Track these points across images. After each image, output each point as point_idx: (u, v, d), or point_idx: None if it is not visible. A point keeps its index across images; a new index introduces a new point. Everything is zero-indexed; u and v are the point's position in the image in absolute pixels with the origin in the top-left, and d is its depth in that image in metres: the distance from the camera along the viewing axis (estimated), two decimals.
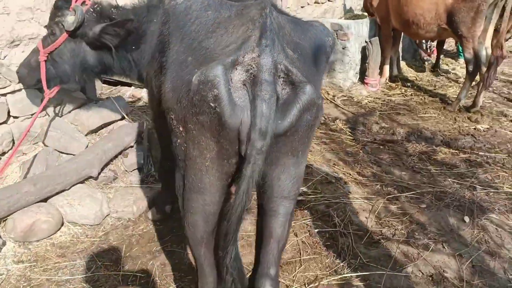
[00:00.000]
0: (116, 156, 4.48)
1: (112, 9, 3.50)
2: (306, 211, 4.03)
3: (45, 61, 3.54)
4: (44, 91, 3.67)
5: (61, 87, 3.84)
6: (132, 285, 3.18)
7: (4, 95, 4.01)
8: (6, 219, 3.52)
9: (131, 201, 4.05)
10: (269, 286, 2.26)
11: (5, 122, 4.10)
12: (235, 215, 1.88)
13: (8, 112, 4.10)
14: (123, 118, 4.86)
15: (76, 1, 3.38)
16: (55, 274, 3.25)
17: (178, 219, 3.92)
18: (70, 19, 3.33)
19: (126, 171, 4.52)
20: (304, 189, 4.33)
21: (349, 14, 9.89)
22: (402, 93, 7.65)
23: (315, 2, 9.04)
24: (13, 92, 4.04)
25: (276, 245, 2.22)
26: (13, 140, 4.18)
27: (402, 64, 8.94)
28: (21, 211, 3.53)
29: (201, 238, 2.20)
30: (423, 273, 3.27)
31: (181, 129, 1.94)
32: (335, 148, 5.39)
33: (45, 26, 3.66)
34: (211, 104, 1.74)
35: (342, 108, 6.82)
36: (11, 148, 4.17)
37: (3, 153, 4.14)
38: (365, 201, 4.21)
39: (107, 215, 3.95)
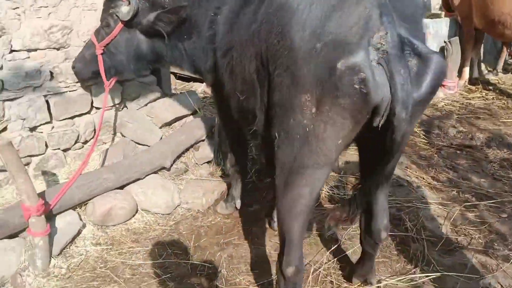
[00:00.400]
0: (187, 149, 4.62)
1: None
2: None
3: (102, 53, 3.68)
4: (103, 83, 3.82)
5: (119, 77, 4.00)
6: (200, 275, 3.25)
7: (89, 86, 4.25)
8: (86, 203, 3.72)
9: (201, 193, 4.15)
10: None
11: (88, 113, 4.34)
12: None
13: (92, 103, 4.34)
14: (195, 112, 4.99)
15: None
16: (129, 258, 3.40)
17: (246, 214, 3.98)
18: (124, 9, 3.41)
19: (197, 164, 4.64)
20: None
21: (427, 13, 9.51)
22: (482, 96, 7.25)
23: None
24: (96, 84, 4.27)
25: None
26: (94, 129, 4.41)
27: (483, 66, 8.49)
28: (100, 196, 3.72)
29: (300, 212, 2.28)
30: (502, 286, 3.08)
31: (313, 110, 2.01)
32: (408, 151, 5.20)
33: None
34: (356, 86, 1.86)
35: None
36: (93, 137, 4.41)
37: (86, 142, 4.39)
38: (440, 207, 4.03)
39: (177, 206, 4.07)
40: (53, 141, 4.07)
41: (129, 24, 3.51)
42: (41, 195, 3.26)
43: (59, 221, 3.46)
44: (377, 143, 2.17)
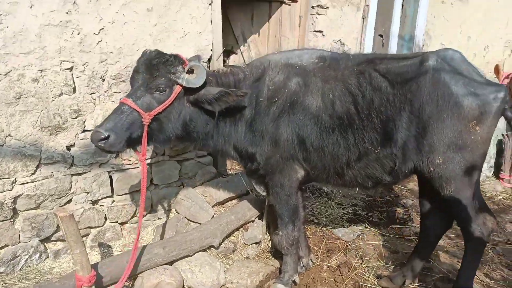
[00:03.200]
0: (237, 229, 4.74)
1: (210, 77, 3.59)
2: None
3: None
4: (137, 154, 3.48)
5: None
6: None
7: (150, 165, 4.56)
8: (136, 277, 3.87)
9: (246, 273, 4.19)
10: None
11: (147, 189, 4.62)
12: None
13: (151, 180, 4.63)
14: (247, 193, 5.15)
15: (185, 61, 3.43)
16: None
17: None
18: (191, 77, 3.34)
19: (245, 244, 4.73)
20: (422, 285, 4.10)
21: None
22: None
23: None
24: (156, 162, 4.58)
25: None
26: (151, 204, 4.67)
27: None
28: (149, 270, 3.86)
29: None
30: None
31: (477, 129, 3.30)
32: (461, 245, 5.03)
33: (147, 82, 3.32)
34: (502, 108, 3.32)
35: None
36: (149, 212, 4.66)
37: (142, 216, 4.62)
38: None
39: (222, 285, 4.12)
40: (112, 214, 4.35)
41: (187, 92, 3.44)
42: (94, 266, 3.45)
43: None
44: None
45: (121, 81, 4.08)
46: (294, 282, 4.12)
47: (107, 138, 3.15)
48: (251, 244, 4.75)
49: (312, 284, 4.19)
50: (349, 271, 4.33)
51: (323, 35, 6.20)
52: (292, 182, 3.77)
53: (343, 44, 6.53)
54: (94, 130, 3.18)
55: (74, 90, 3.84)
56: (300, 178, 3.78)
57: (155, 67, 3.30)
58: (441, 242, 4.83)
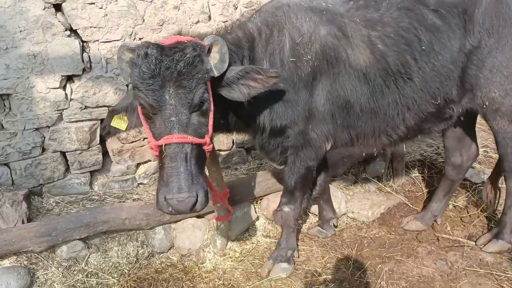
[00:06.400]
0: (360, 162, 4.73)
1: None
2: None
3: None
4: None
5: None
6: (359, 282, 3.35)
7: None
8: (262, 199, 4.11)
9: (367, 205, 4.23)
10: None
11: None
12: None
13: None
14: None
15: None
16: None
17: (412, 233, 3.94)
18: (216, 62, 2.42)
19: (366, 177, 4.73)
20: None
21: None
22: None
23: None
24: None
25: None
26: None
27: None
28: (274, 194, 4.05)
29: None
30: None
31: None
32: None
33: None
34: None
35: None
36: None
37: None
38: None
39: (343, 214, 4.22)
40: (239, 140, 4.57)
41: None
42: (227, 185, 3.71)
43: (238, 210, 3.88)
44: None
45: (252, 9, 4.13)
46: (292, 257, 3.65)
47: (195, 203, 2.35)
48: (373, 177, 4.74)
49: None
50: (477, 212, 4.16)
51: None
52: (319, 155, 3.17)
53: None
54: (177, 198, 2.30)
55: (210, 17, 3.98)
56: (328, 149, 3.20)
57: (188, 75, 2.31)
58: None
